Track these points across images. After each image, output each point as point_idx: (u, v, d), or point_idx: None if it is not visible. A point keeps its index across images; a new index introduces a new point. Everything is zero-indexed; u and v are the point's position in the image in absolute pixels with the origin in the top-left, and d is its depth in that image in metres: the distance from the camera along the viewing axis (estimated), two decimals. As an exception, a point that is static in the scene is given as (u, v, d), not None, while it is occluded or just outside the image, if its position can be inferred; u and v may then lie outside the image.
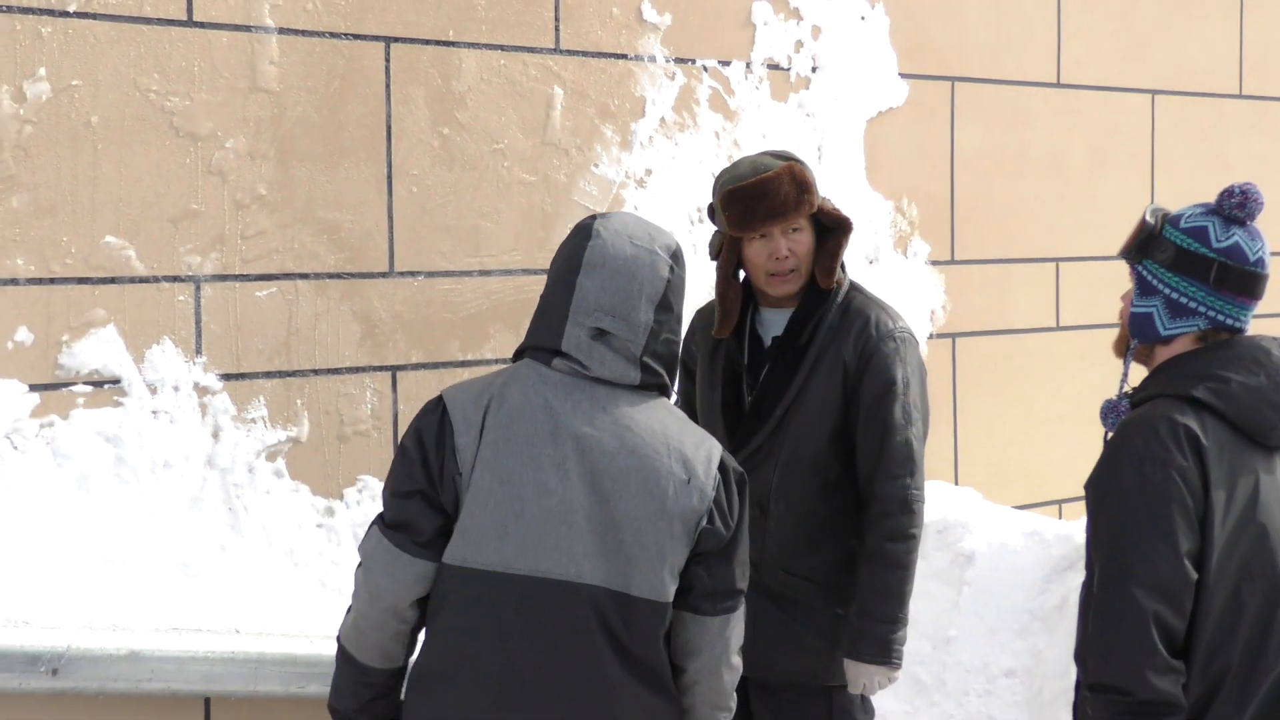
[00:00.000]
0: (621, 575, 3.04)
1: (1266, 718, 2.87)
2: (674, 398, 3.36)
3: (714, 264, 4.05)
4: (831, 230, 3.92)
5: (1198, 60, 6.65)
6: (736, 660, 3.20)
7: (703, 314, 4.17)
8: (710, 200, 3.96)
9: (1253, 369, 2.97)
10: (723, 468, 3.13)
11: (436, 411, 3.14)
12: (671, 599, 3.07)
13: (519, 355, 3.20)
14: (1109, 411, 3.06)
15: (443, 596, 3.10)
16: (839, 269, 3.93)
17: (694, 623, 3.13)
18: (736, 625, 3.17)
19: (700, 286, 4.30)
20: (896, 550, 3.82)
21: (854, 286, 3.99)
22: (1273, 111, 6.94)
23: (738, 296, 3.98)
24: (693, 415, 4.10)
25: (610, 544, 3.05)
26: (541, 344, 3.15)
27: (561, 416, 3.10)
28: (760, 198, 3.83)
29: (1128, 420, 2.99)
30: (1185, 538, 2.88)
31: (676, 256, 3.20)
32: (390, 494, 3.13)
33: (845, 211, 3.96)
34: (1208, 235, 3.00)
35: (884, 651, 3.81)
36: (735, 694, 3.25)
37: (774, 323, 4.00)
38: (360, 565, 3.16)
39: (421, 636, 3.19)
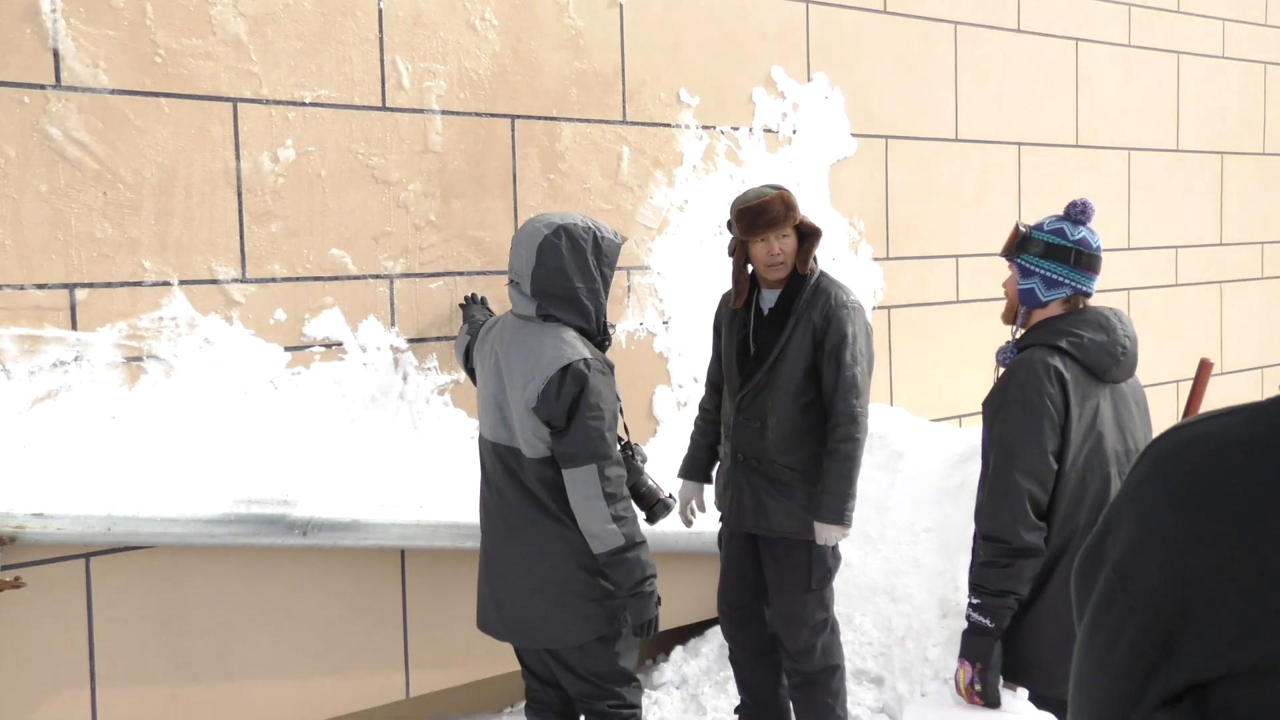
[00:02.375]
0: (512, 435, 3.28)
1: None
2: (600, 332, 3.42)
3: (730, 260, 4.05)
4: (808, 236, 3.92)
5: (1048, 121, 6.58)
6: (597, 504, 3.19)
7: (725, 296, 4.15)
8: (728, 217, 3.96)
9: (1098, 330, 2.98)
10: (562, 370, 3.17)
11: (477, 325, 3.64)
12: (540, 456, 3.24)
13: None
14: (1002, 353, 3.07)
15: None
16: (812, 261, 3.94)
17: (562, 473, 3.25)
18: (587, 477, 3.20)
19: (721, 276, 4.29)
20: (846, 448, 3.82)
21: (823, 274, 3.97)
22: (1098, 156, 6.87)
23: (746, 281, 4.00)
24: (719, 361, 4.18)
25: (505, 416, 3.30)
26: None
27: (496, 341, 3.39)
28: (760, 214, 3.83)
29: (1014, 361, 3.00)
30: (1051, 440, 2.89)
31: (557, 230, 3.28)
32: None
33: (817, 224, 3.94)
34: (1065, 233, 3.06)
35: (839, 516, 3.82)
36: (613, 529, 3.23)
37: (770, 299, 3.98)
38: None
39: None
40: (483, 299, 4.27)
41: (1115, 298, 6.70)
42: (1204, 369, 3.69)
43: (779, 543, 3.97)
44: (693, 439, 4.33)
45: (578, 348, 3.25)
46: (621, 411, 3.46)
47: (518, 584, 3.32)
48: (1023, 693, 2.97)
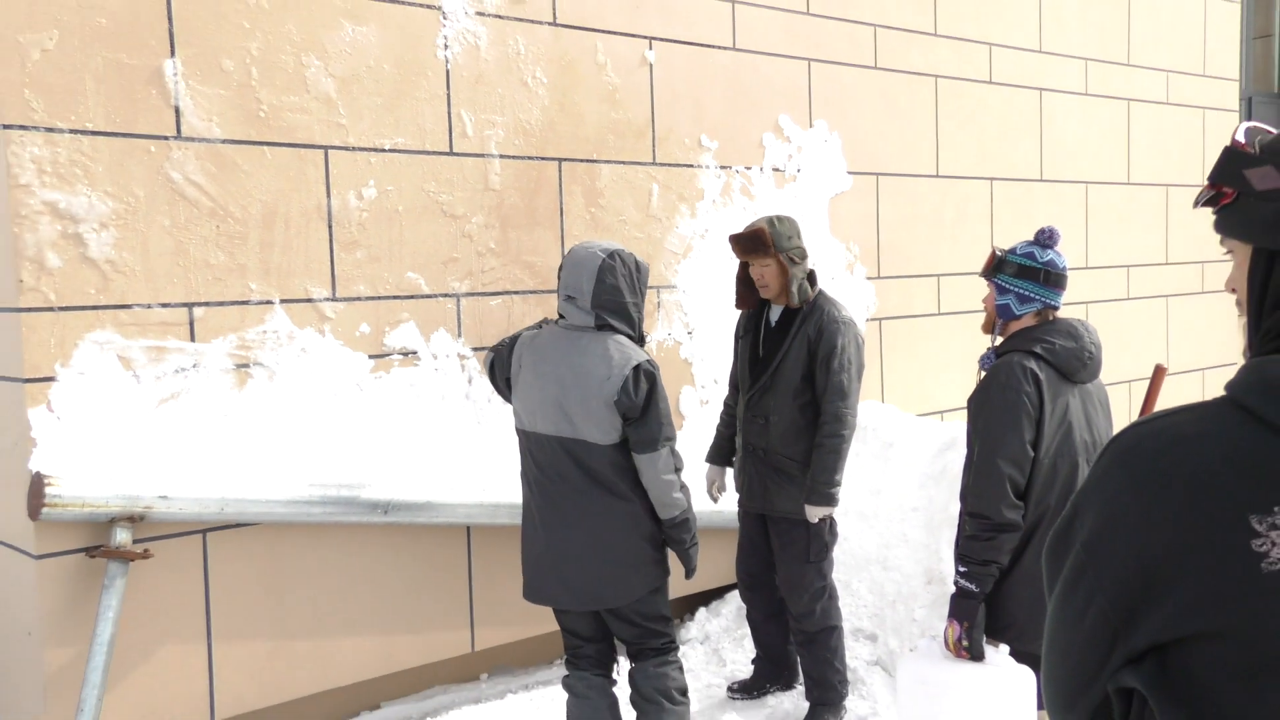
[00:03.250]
0: (576, 429, 3.23)
1: None
2: (642, 339, 3.40)
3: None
4: (786, 270, 3.89)
5: (1016, 159, 6.54)
6: (668, 478, 3.26)
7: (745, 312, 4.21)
8: None
9: (1068, 337, 2.98)
10: (635, 370, 3.20)
11: (512, 341, 3.47)
12: (608, 443, 3.23)
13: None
14: (984, 359, 3.08)
15: (519, 441, 3.46)
16: (795, 291, 3.89)
17: (634, 457, 3.26)
18: (659, 459, 3.25)
19: (721, 295, 4.28)
20: (831, 443, 3.85)
21: (821, 293, 3.99)
22: (1060, 189, 6.82)
23: (747, 291, 4.07)
24: (737, 364, 4.20)
25: (570, 414, 3.23)
26: (558, 312, 3.41)
27: (552, 348, 3.32)
28: (737, 242, 3.92)
29: (995, 364, 3.00)
30: (1027, 431, 2.88)
31: (611, 255, 3.29)
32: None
33: (812, 262, 3.99)
34: (1035, 256, 3.06)
35: (826, 499, 3.86)
36: (680, 497, 3.30)
37: (776, 312, 4.02)
38: None
39: None
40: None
41: (1075, 310, 6.65)
42: (1158, 373, 3.66)
43: (781, 521, 3.98)
44: (717, 429, 4.35)
45: (639, 351, 3.29)
46: None
47: (586, 557, 3.27)
48: (1003, 648, 2.96)
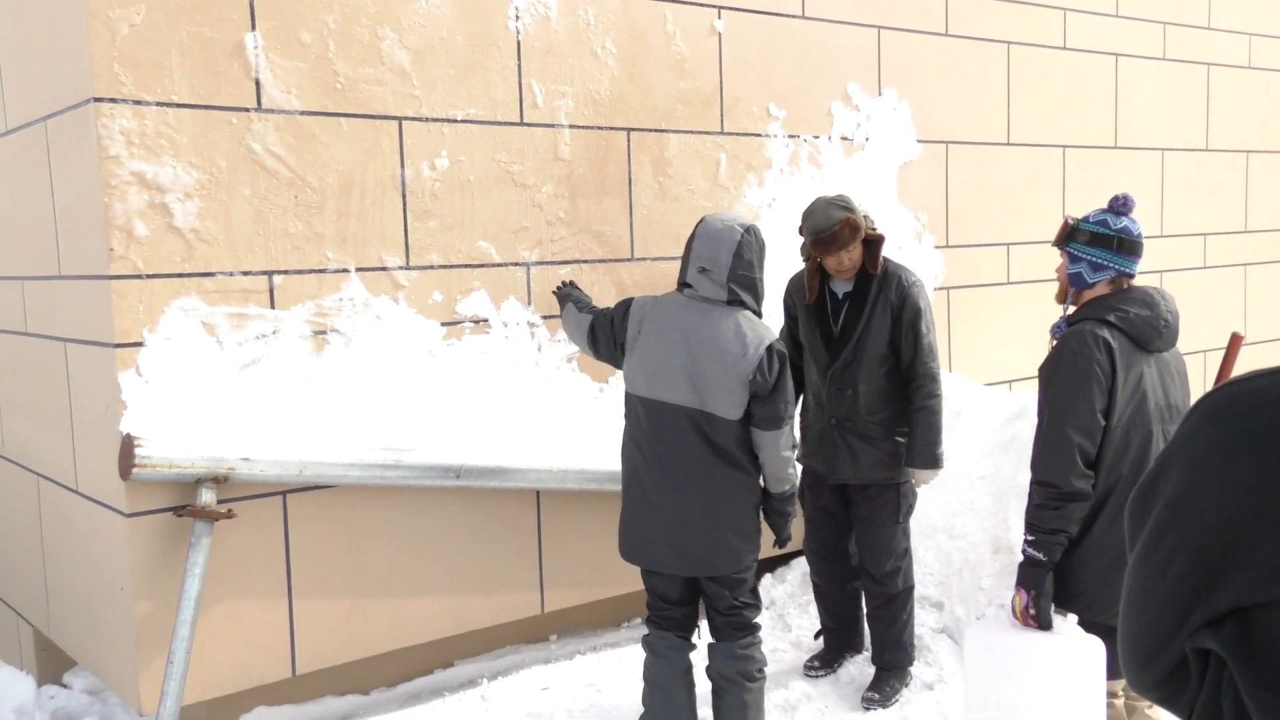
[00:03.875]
0: (704, 402, 3.22)
1: None
2: (762, 314, 3.40)
3: (800, 255, 4.11)
4: (874, 242, 3.90)
5: (1090, 125, 6.43)
6: (787, 454, 3.33)
7: (794, 283, 4.18)
8: (800, 224, 3.98)
9: (1143, 306, 2.95)
10: (768, 350, 3.24)
11: (625, 306, 3.48)
12: (735, 418, 3.25)
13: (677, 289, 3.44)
14: (1055, 328, 3.05)
15: (627, 406, 3.44)
16: (880, 259, 3.92)
17: (756, 433, 3.29)
18: (781, 436, 3.31)
19: (786, 263, 4.28)
20: (931, 404, 3.91)
21: (886, 259, 3.98)
22: (1135, 156, 6.69)
23: (818, 280, 4.02)
24: (796, 346, 4.20)
25: (699, 386, 3.24)
26: (680, 281, 3.40)
27: (680, 318, 3.31)
28: (832, 241, 3.83)
29: (1067, 332, 2.98)
30: (1098, 400, 2.86)
31: (747, 230, 3.32)
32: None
33: (882, 228, 3.93)
34: (1108, 223, 3.03)
35: (933, 460, 3.92)
36: (793, 472, 3.39)
37: (843, 285, 4.00)
38: None
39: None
40: (571, 282, 4.06)
41: (1150, 278, 6.53)
42: (1235, 341, 3.59)
43: (870, 487, 4.03)
44: None
45: (767, 329, 3.32)
46: None
47: (702, 524, 3.29)
48: (1072, 618, 2.96)
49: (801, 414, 4.17)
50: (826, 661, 4.27)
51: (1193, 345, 6.68)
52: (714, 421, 3.24)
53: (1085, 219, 3.06)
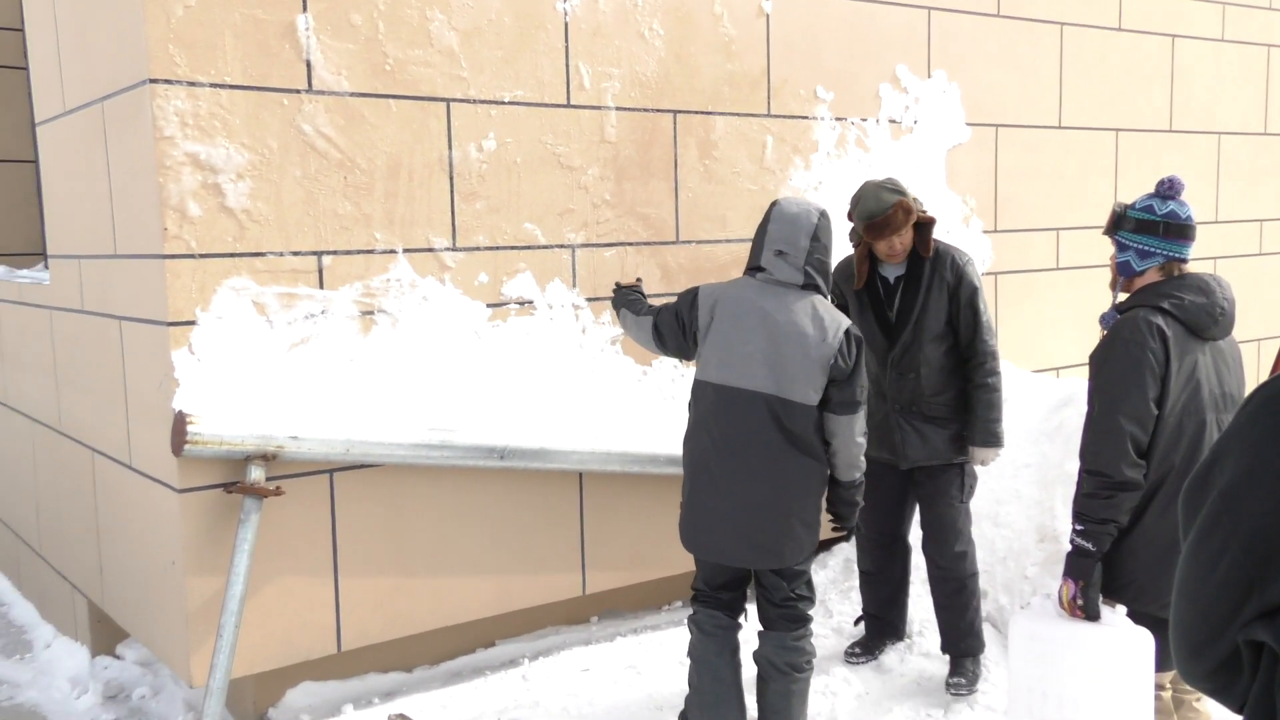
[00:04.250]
0: (781, 388, 3.18)
1: None
2: (829, 298, 3.39)
3: (849, 240, 4.08)
4: (925, 225, 3.86)
5: (1144, 108, 6.32)
6: (861, 440, 3.30)
7: (842, 270, 4.08)
8: (849, 209, 3.94)
9: (1198, 293, 2.91)
10: (846, 334, 3.22)
11: (692, 295, 3.42)
12: (813, 404, 3.21)
13: (746, 273, 3.37)
14: (1106, 317, 3.01)
15: (695, 394, 3.38)
16: (931, 241, 3.88)
17: (831, 419, 3.25)
18: (856, 421, 3.27)
19: (847, 247, 4.25)
20: (992, 381, 3.90)
21: (937, 240, 3.94)
22: (1190, 140, 6.57)
23: (867, 265, 3.98)
24: None
25: (777, 371, 3.19)
26: (751, 264, 3.36)
27: (756, 302, 3.26)
28: (885, 225, 3.78)
29: (1120, 319, 2.95)
30: (1151, 388, 2.82)
31: (823, 214, 3.32)
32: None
33: (932, 211, 3.87)
34: (1153, 209, 2.98)
35: (994, 439, 3.91)
36: (862, 462, 3.35)
37: (891, 270, 3.96)
38: None
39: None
40: (625, 284, 3.96)
41: (1203, 265, 6.42)
42: None
43: (934, 468, 4.00)
44: None
45: (840, 313, 3.30)
46: None
47: (774, 514, 3.24)
48: (1120, 609, 2.93)
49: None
50: (868, 648, 4.26)
51: (1247, 334, 6.57)
52: (791, 408, 3.20)
53: (1132, 205, 3.01)
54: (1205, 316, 2.89)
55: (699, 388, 3.35)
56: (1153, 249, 2.95)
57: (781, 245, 3.27)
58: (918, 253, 3.91)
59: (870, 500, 4.04)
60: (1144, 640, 2.81)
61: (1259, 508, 0.99)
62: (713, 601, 3.46)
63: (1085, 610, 2.87)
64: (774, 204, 3.37)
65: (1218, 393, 2.90)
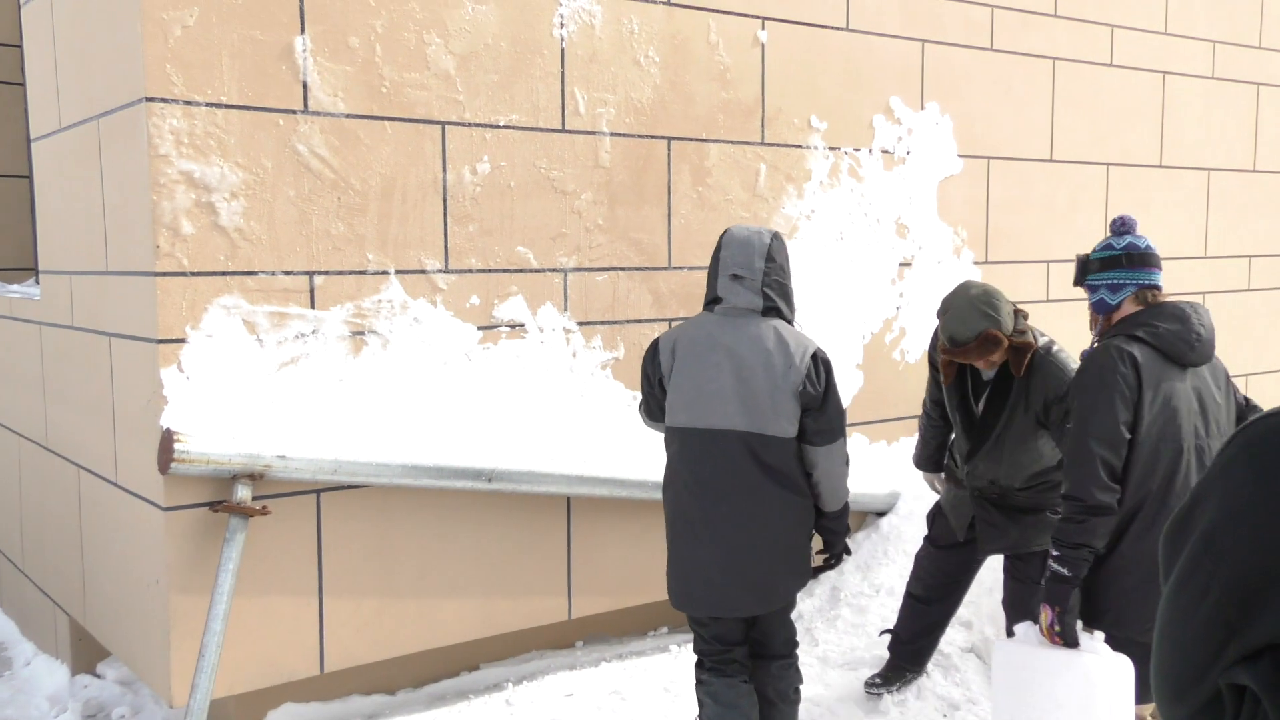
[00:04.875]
0: (754, 423, 3.04)
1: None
2: (793, 324, 3.24)
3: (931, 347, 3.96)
4: (1020, 348, 3.54)
5: (1136, 144, 6.38)
6: (843, 469, 3.17)
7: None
8: (938, 311, 3.68)
9: (1173, 320, 2.94)
10: (814, 357, 3.08)
11: (652, 348, 3.27)
12: (791, 436, 3.07)
13: (705, 308, 3.25)
14: (1085, 353, 3.07)
15: (667, 442, 3.24)
16: (1024, 363, 3.55)
17: (810, 450, 3.12)
18: (836, 450, 3.14)
19: (841, 276, 4.26)
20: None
21: (1036, 349, 3.58)
22: (1180, 175, 6.63)
23: (954, 367, 3.76)
24: (938, 388, 3.95)
25: (748, 405, 3.05)
26: (708, 298, 3.23)
27: (717, 337, 3.13)
28: (964, 354, 3.52)
29: (1094, 349, 2.98)
30: (1123, 413, 2.85)
31: (775, 235, 3.19)
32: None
33: (1028, 340, 3.55)
34: (1112, 245, 3.09)
35: None
36: (848, 487, 3.22)
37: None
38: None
39: None
40: None
41: (1192, 299, 6.46)
42: None
43: (1024, 555, 3.83)
44: (923, 437, 4.15)
45: (807, 336, 3.17)
46: None
47: (766, 556, 3.10)
48: (1099, 635, 2.94)
49: (950, 453, 4.00)
50: (888, 680, 4.10)
51: (1236, 368, 6.60)
52: (767, 442, 3.05)
53: (1091, 251, 3.12)
54: (1180, 343, 2.92)
55: (669, 435, 3.21)
56: (1122, 280, 3.01)
57: (736, 269, 3.14)
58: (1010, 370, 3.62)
59: (945, 530, 3.93)
60: (1123, 667, 2.82)
61: (1239, 551, 0.99)
62: (729, 666, 3.23)
63: (1063, 637, 2.87)
64: (724, 233, 3.25)
65: (1199, 419, 2.93)
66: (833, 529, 3.28)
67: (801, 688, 3.42)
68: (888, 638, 4.25)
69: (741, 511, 3.08)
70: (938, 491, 4.18)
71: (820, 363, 3.10)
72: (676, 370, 3.17)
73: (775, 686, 3.32)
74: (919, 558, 4.15)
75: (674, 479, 3.21)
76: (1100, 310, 3.05)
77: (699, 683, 3.29)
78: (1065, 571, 2.87)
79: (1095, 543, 2.87)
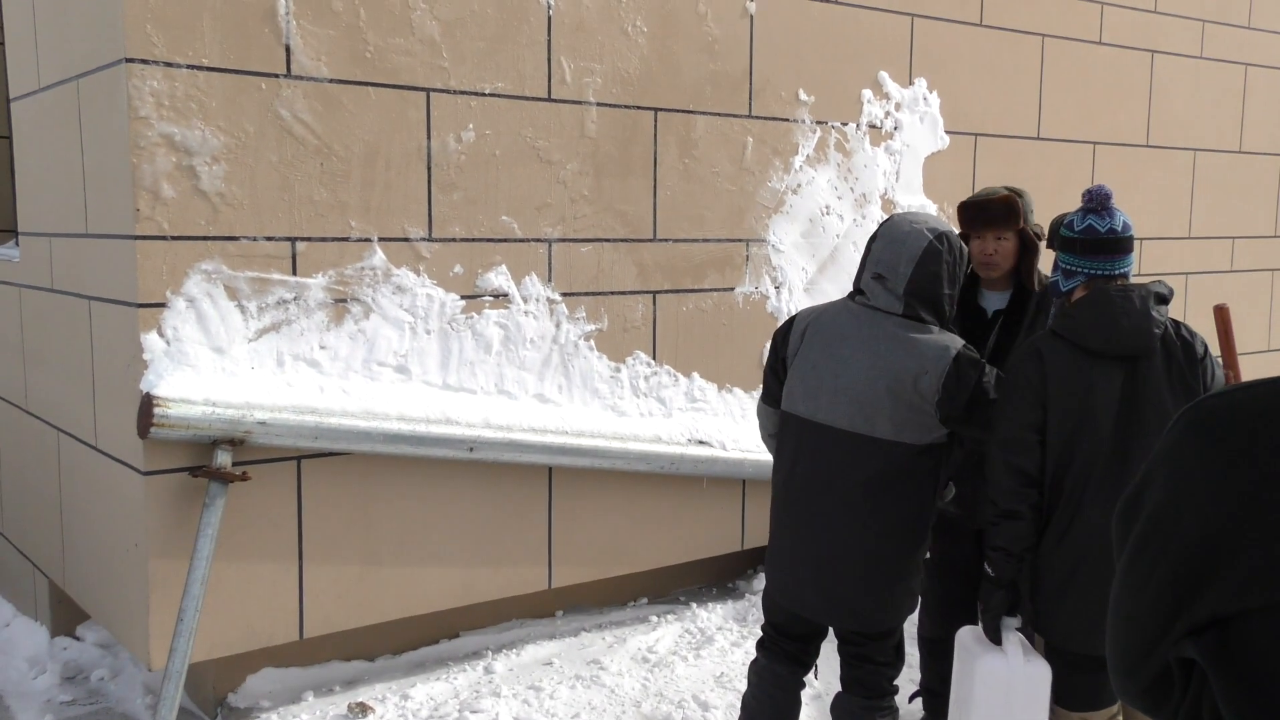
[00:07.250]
0: (871, 426, 2.82)
1: (1091, 518, 2.72)
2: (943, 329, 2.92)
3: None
4: (1030, 248, 3.33)
5: (1124, 122, 6.38)
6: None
7: None
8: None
9: (1090, 309, 2.72)
10: (955, 359, 2.79)
11: (786, 324, 3.09)
12: (912, 443, 2.82)
13: (849, 295, 3.02)
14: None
15: (781, 424, 3.05)
16: (1035, 273, 3.36)
17: (916, 458, 2.87)
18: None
19: (827, 250, 4.27)
20: None
21: (1044, 275, 3.36)
22: (1167, 155, 6.63)
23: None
24: None
25: (867, 408, 2.83)
26: (854, 286, 2.99)
27: (850, 330, 2.90)
28: (981, 209, 3.32)
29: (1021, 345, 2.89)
30: (1027, 414, 2.70)
31: (939, 237, 2.85)
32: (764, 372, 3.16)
33: (1040, 238, 3.37)
34: (1072, 225, 2.77)
35: None
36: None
37: (991, 301, 3.42)
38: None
39: None
40: None
41: (1175, 279, 6.49)
42: (1220, 315, 3.40)
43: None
44: None
45: (952, 336, 2.88)
46: None
47: (856, 570, 2.88)
48: (1013, 637, 2.84)
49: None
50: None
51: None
52: (878, 448, 2.82)
53: (1067, 222, 2.83)
54: (1092, 333, 2.69)
55: (784, 420, 3.02)
56: (1075, 268, 2.77)
57: (881, 268, 2.87)
58: (1023, 284, 3.39)
59: (944, 561, 3.53)
60: (1037, 673, 2.74)
61: (1185, 529, 1.02)
62: (776, 650, 3.11)
63: (989, 635, 2.84)
64: (886, 220, 2.97)
65: (1126, 418, 2.70)
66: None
67: None
68: (919, 701, 3.71)
69: (837, 517, 2.88)
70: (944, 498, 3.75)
71: (964, 362, 2.81)
72: (802, 354, 2.98)
73: None
74: (923, 597, 3.64)
75: (780, 464, 3.04)
76: (1054, 293, 2.86)
77: (751, 663, 3.20)
78: (989, 571, 2.80)
79: (1010, 546, 2.75)
